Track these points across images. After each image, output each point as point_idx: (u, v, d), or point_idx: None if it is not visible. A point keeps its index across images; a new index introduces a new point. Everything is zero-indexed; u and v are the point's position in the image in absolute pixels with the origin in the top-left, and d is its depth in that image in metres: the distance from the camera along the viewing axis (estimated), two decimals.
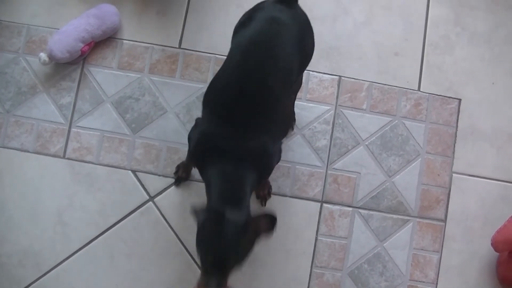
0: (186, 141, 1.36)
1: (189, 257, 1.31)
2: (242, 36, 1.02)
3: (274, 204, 1.35)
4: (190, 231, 1.32)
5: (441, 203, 1.38)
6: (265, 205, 1.34)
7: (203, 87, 1.40)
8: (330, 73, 1.43)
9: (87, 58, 1.41)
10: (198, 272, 1.28)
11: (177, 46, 1.43)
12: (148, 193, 1.35)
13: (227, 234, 0.88)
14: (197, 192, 1.34)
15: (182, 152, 1.37)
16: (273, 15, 1.02)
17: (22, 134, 1.37)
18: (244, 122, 0.97)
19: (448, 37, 1.48)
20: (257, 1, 1.09)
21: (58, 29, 1.38)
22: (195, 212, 0.94)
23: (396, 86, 1.44)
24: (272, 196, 1.35)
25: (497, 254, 1.35)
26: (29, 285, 1.29)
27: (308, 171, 1.37)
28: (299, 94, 1.40)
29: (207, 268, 0.91)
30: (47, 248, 1.31)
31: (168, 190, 1.35)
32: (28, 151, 1.37)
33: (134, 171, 1.36)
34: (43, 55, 1.34)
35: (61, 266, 1.31)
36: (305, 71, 1.41)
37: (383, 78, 1.44)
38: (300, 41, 1.04)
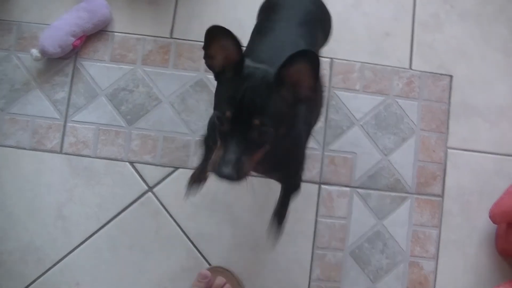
0: (182, 129, 1.38)
1: (191, 245, 1.32)
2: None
3: (272, 187, 1.35)
4: (190, 219, 1.33)
5: (438, 179, 1.39)
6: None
7: (196, 76, 1.41)
8: (321, 55, 1.44)
9: (79, 52, 1.41)
10: (200, 260, 1.31)
11: (169, 36, 1.43)
12: (146, 184, 1.35)
13: (252, 83, 0.70)
14: None
15: (179, 141, 1.37)
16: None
17: (17, 132, 1.37)
18: None
19: (438, 15, 1.49)
20: None
21: (49, 24, 1.37)
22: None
23: (388, 66, 1.45)
24: (271, 181, 1.35)
25: (495, 226, 1.37)
26: (33, 281, 1.29)
27: None
28: None
29: (225, 133, 0.71)
30: (48, 243, 1.31)
31: (167, 179, 1.35)
32: (25, 148, 1.36)
33: (131, 163, 1.36)
34: (35, 51, 1.34)
35: (64, 261, 1.31)
36: None
37: (374, 59, 1.45)
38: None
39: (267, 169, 0.94)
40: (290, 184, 1.08)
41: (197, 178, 1.16)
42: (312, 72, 0.69)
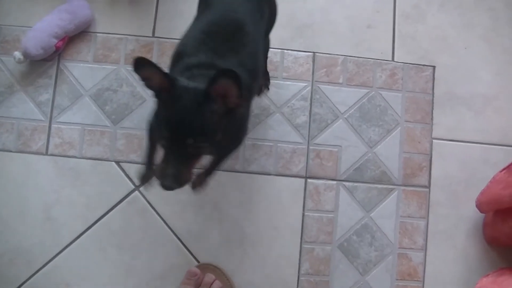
0: None
1: (179, 242, 1.32)
2: None
3: (259, 183, 1.36)
4: (178, 217, 1.34)
5: (424, 170, 1.40)
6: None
7: None
8: (304, 50, 1.44)
9: (62, 54, 1.42)
10: (189, 257, 1.31)
11: (151, 35, 1.44)
12: (133, 183, 1.35)
13: (183, 103, 0.75)
14: None
15: None
16: None
17: (3, 134, 1.37)
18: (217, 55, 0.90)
19: (419, 6, 1.49)
20: None
21: (31, 27, 1.37)
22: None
23: (371, 58, 1.45)
24: (257, 175, 1.36)
25: (483, 215, 1.37)
26: (23, 283, 1.30)
27: (290, 148, 1.38)
28: (275, 73, 1.42)
29: (165, 150, 0.78)
30: (37, 245, 1.32)
31: (153, 178, 1.36)
32: (11, 151, 1.37)
33: (117, 162, 1.37)
34: (18, 54, 1.34)
35: (53, 262, 1.31)
36: (280, 50, 1.43)
37: (357, 51, 1.45)
38: None
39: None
40: (226, 155, 1.12)
41: (145, 176, 1.15)
42: (235, 86, 0.74)
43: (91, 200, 1.34)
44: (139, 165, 1.35)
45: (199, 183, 1.14)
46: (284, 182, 1.37)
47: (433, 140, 1.41)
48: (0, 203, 1.34)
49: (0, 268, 1.30)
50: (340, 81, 1.43)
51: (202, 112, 0.76)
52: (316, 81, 1.43)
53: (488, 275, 1.29)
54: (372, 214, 1.37)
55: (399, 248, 1.36)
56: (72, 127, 1.38)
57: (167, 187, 0.77)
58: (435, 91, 1.44)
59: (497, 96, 1.45)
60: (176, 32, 1.43)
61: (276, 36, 1.44)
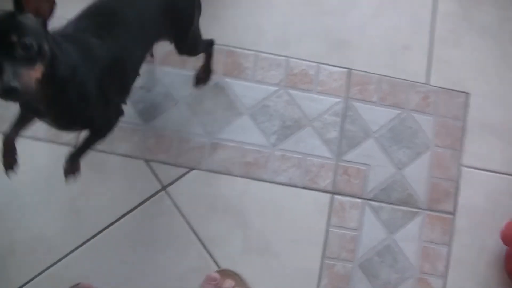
0: (197, 130, 1.39)
1: (201, 246, 1.32)
2: None
3: (285, 194, 1.36)
4: (202, 220, 1.34)
5: (450, 196, 1.39)
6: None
7: (213, 79, 1.43)
8: (339, 65, 1.45)
9: None
10: (210, 262, 1.31)
11: None
12: (160, 182, 1.36)
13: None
14: (210, 182, 1.36)
15: (193, 141, 1.38)
16: None
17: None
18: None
19: (456, 31, 1.51)
20: None
21: None
22: None
23: (405, 80, 1.46)
24: (283, 187, 1.36)
25: (506, 247, 1.36)
26: (41, 272, 1.29)
27: (318, 162, 1.39)
28: (310, 86, 1.43)
29: None
30: (59, 235, 1.32)
31: (181, 179, 1.36)
32: (41, 140, 1.38)
33: (146, 160, 1.37)
34: None
35: (73, 254, 1.31)
36: (315, 64, 1.45)
37: (392, 71, 1.46)
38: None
39: (63, 123, 1.03)
40: (95, 133, 1.14)
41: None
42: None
43: (117, 196, 1.35)
44: (167, 165, 1.36)
45: (71, 169, 1.13)
46: (311, 195, 1.37)
47: (462, 167, 1.41)
48: (26, 190, 1.34)
49: (21, 255, 1.30)
50: (374, 99, 1.44)
51: (18, 17, 0.77)
52: (349, 97, 1.44)
53: None
54: (395, 236, 1.36)
55: (420, 272, 1.35)
56: None
57: (8, 90, 0.72)
58: (467, 118, 1.44)
59: None
60: (213, 37, 1.45)
61: (312, 49, 1.46)
